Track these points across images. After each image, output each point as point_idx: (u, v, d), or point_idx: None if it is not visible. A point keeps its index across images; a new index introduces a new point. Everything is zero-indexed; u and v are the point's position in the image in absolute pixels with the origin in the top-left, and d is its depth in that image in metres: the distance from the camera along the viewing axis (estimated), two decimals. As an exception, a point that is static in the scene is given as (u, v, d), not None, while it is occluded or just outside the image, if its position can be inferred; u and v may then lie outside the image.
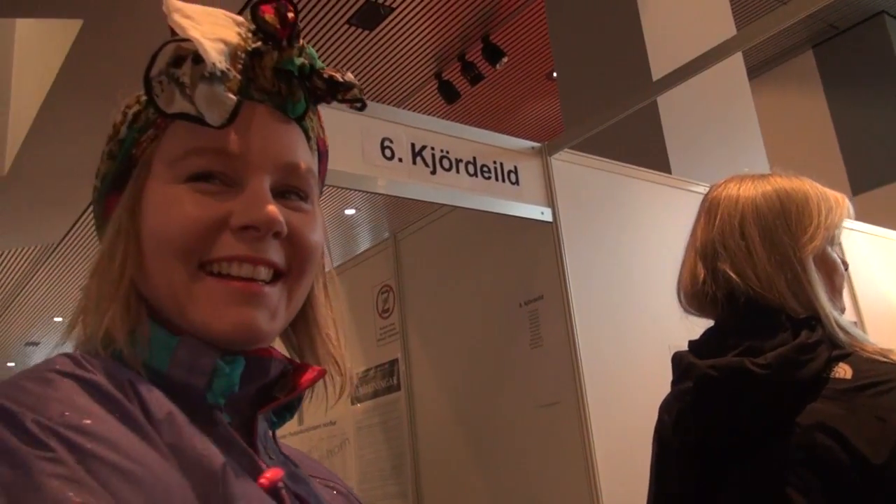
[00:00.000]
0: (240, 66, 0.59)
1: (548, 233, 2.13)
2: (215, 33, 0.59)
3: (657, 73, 3.33)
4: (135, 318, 0.58)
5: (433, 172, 1.94)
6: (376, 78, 6.07)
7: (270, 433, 0.65)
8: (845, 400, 0.94)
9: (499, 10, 5.43)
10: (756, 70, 6.19)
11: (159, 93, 0.57)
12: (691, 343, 1.13)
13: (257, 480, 0.55)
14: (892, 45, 5.84)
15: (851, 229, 3.36)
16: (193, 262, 0.58)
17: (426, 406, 2.38)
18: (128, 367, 0.55)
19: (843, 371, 0.97)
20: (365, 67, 5.90)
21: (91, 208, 0.68)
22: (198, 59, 0.57)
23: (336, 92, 0.63)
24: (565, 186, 2.22)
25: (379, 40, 5.59)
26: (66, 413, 0.46)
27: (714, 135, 3.52)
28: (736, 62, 3.81)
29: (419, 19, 5.39)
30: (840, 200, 1.12)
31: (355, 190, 1.81)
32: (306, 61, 0.61)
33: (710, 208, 1.16)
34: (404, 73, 6.08)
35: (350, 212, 8.69)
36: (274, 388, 0.62)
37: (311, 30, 5.32)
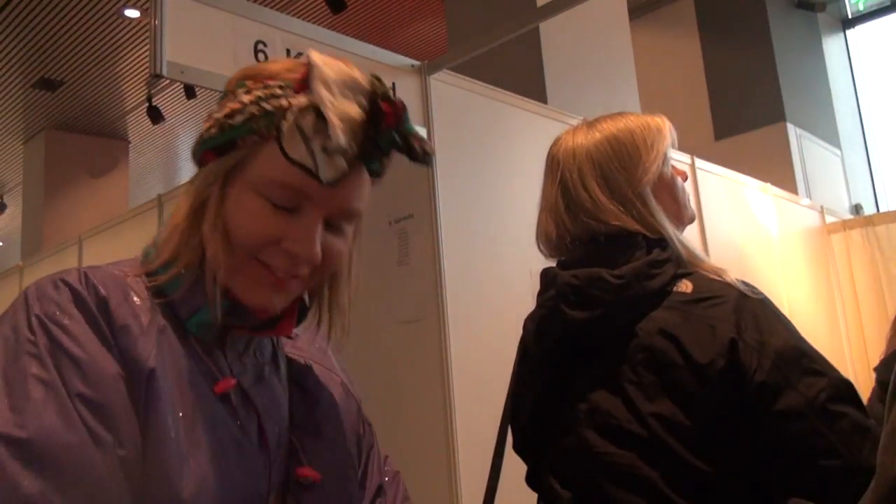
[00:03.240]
0: (355, 141, 0.72)
1: (422, 152, 2.14)
2: (344, 110, 0.71)
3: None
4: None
5: (308, 81, 1.89)
6: (259, -22, 5.76)
7: (272, 346, 0.83)
8: (683, 310, 1.05)
9: (392, -81, 5.24)
10: (638, 11, 6.33)
11: (284, 132, 0.70)
12: (560, 261, 1.20)
13: (212, 387, 0.72)
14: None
15: (709, 171, 3.57)
16: (247, 253, 0.74)
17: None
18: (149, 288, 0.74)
19: (686, 286, 1.08)
20: (247, -35, 5.58)
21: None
22: (321, 117, 0.69)
23: (413, 153, 0.76)
24: (442, 107, 2.23)
25: (263, -63, 5.29)
26: (57, 312, 0.67)
27: (591, 70, 3.60)
28: (619, 1, 3.89)
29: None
30: (661, 125, 1.20)
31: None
32: (399, 138, 0.74)
33: (551, 166, 1.22)
34: (289, -24, 5.80)
35: (225, 118, 8.33)
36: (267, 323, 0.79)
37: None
